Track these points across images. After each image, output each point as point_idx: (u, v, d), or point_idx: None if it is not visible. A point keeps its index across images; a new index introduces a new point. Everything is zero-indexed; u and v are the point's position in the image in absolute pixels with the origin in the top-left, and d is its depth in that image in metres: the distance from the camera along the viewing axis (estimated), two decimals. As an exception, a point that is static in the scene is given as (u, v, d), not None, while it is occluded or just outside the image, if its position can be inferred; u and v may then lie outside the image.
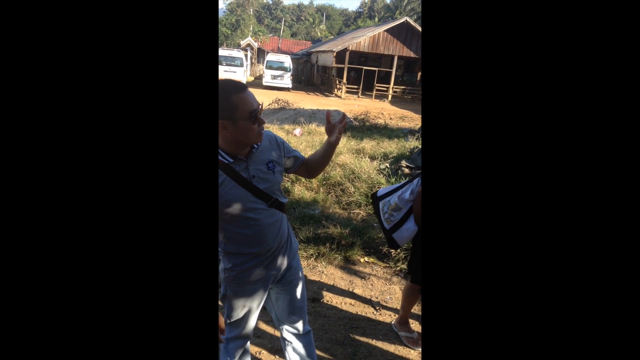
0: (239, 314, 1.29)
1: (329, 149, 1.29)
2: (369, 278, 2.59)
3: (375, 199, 1.87)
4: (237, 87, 1.07)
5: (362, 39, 17.92)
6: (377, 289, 2.47)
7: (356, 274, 2.64)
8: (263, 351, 1.86)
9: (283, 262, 1.29)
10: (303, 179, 4.06)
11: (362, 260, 2.79)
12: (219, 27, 29.44)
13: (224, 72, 15.80)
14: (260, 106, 1.11)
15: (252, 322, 1.34)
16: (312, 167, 1.36)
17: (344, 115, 1.28)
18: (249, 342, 1.41)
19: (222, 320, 1.19)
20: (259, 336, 1.95)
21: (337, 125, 1.24)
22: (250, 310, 1.29)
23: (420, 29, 16.57)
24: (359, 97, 18.02)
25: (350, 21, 50.43)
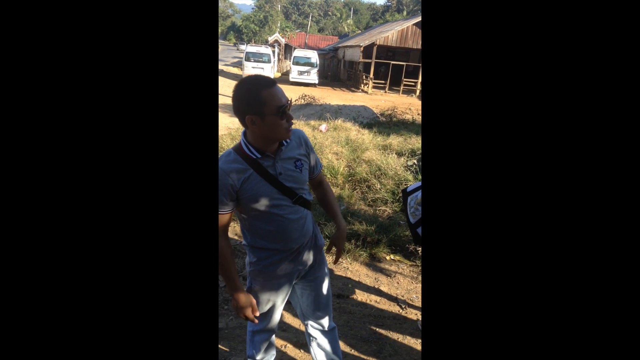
0: (263, 307, 1.31)
1: (331, 216, 1.44)
2: (394, 276, 2.56)
3: (404, 194, 1.87)
4: (266, 83, 1.08)
5: (390, 33, 17.62)
6: (403, 287, 2.44)
7: (382, 271, 2.61)
8: (288, 345, 1.88)
9: (309, 257, 1.30)
10: (328, 174, 4.06)
11: (388, 257, 2.76)
12: (248, 23, 29.78)
13: (252, 69, 15.99)
14: (289, 102, 1.11)
15: (277, 316, 1.36)
16: (319, 196, 1.43)
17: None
18: (274, 336, 1.43)
19: (254, 301, 1.22)
20: (284, 330, 1.98)
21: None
22: (275, 304, 1.31)
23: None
24: (386, 92, 17.76)
25: (378, 15, 49.69)
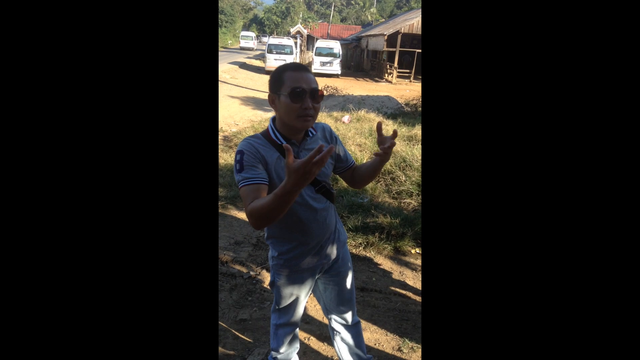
0: (286, 301, 1.31)
1: (378, 165, 1.20)
2: (420, 270, 2.51)
3: None
4: (294, 67, 1.10)
5: (415, 21, 17.16)
6: (429, 282, 2.39)
7: (407, 265, 2.57)
8: (312, 337, 1.88)
9: (332, 252, 1.28)
10: (352, 167, 4.01)
11: (413, 251, 2.71)
12: (270, 15, 29.82)
13: (274, 61, 16.00)
14: (310, 89, 1.07)
15: (300, 309, 1.36)
16: (358, 177, 1.30)
17: (395, 132, 1.15)
18: (297, 329, 1.44)
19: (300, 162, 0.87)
20: (307, 322, 1.98)
21: (388, 140, 1.12)
22: (297, 298, 1.31)
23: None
24: (410, 81, 17.38)
25: (403, 2, 48.48)
